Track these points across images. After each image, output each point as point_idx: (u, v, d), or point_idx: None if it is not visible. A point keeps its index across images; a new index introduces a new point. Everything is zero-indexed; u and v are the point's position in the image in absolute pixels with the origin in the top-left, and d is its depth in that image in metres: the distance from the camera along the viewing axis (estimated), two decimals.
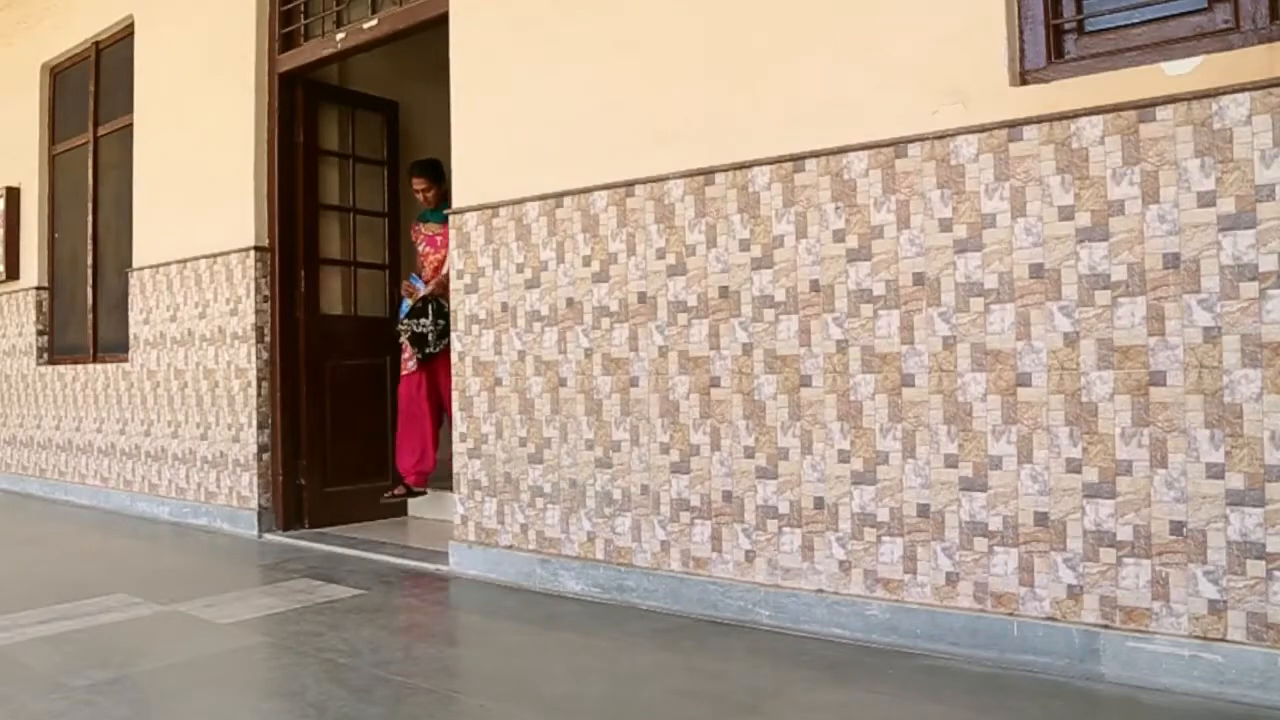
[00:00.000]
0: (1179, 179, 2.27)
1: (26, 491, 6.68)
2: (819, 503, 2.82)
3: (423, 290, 4.71)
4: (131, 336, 5.63)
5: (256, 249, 4.80)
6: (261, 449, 4.77)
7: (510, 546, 3.59)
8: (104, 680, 2.53)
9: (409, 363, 4.77)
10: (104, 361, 6.02)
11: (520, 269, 3.58)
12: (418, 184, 4.83)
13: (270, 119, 4.85)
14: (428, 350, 4.66)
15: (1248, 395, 2.18)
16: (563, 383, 3.44)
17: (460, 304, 3.79)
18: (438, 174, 4.81)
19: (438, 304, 4.64)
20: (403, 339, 4.75)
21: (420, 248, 4.95)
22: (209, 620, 3.13)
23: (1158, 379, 2.29)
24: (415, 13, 4.11)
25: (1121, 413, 2.34)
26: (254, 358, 4.79)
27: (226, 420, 4.94)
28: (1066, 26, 2.53)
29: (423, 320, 4.63)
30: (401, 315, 4.77)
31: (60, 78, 6.71)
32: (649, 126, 3.21)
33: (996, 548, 2.51)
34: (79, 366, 6.22)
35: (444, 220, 4.49)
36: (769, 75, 2.94)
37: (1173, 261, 2.28)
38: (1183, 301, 2.26)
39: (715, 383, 3.04)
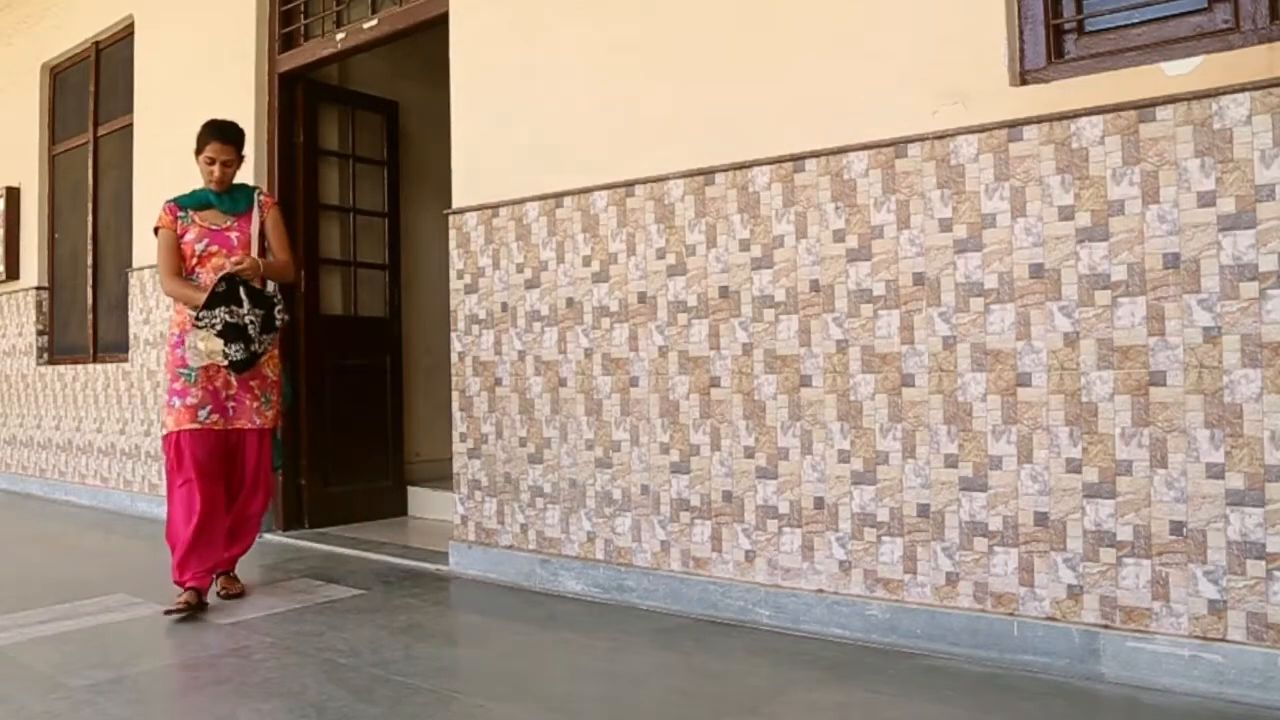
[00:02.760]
0: (1179, 179, 2.27)
1: (26, 491, 6.68)
2: (819, 503, 2.82)
3: (228, 265, 3.30)
4: (131, 336, 5.63)
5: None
6: None
7: (510, 546, 3.59)
8: (104, 680, 2.53)
9: (199, 411, 3.30)
10: (104, 361, 6.02)
11: (520, 269, 3.58)
12: (220, 152, 3.40)
13: (270, 119, 4.85)
14: (252, 349, 3.28)
15: (1248, 395, 2.18)
16: (563, 383, 3.44)
17: (460, 304, 3.79)
18: (243, 144, 3.52)
19: (249, 286, 3.31)
20: (200, 337, 3.24)
21: (200, 246, 3.38)
22: (209, 620, 3.13)
23: (1158, 379, 2.29)
24: (415, 13, 4.11)
25: (1121, 413, 2.34)
26: None
27: None
28: (1066, 26, 2.53)
29: (235, 307, 3.24)
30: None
31: (60, 78, 6.71)
32: (649, 127, 3.22)
33: (996, 548, 2.51)
34: (79, 366, 6.22)
35: (243, 209, 3.47)
36: (769, 75, 2.94)
37: (1173, 261, 2.28)
38: (1183, 301, 2.26)
39: (715, 383, 3.04)
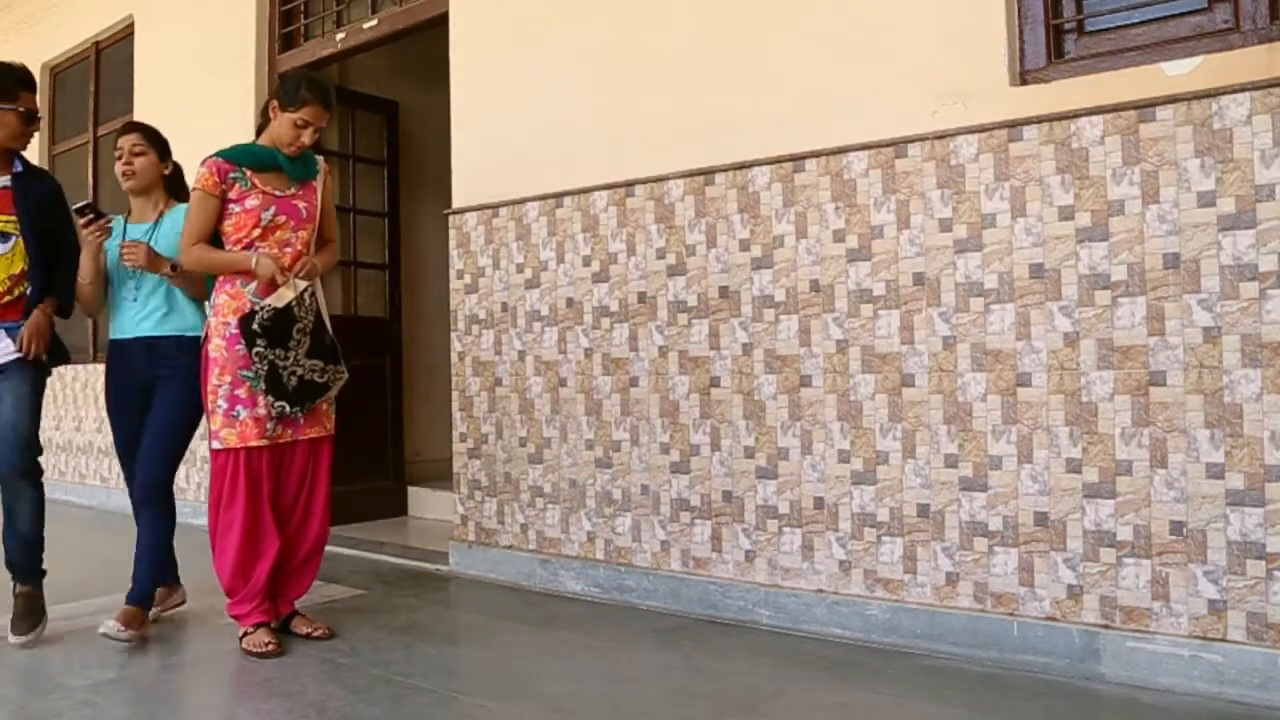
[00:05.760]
0: (1179, 179, 2.27)
1: None
2: (819, 503, 2.82)
3: (294, 285, 2.79)
4: None
5: None
6: None
7: (510, 546, 3.59)
8: (104, 680, 2.53)
9: (267, 424, 2.79)
10: (104, 361, 6.01)
11: (520, 269, 3.58)
12: (320, 119, 2.83)
13: None
14: (306, 404, 2.84)
15: (1248, 395, 2.18)
16: (563, 383, 3.44)
17: (460, 304, 3.79)
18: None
19: (319, 320, 2.91)
20: (252, 367, 2.74)
21: (267, 215, 2.79)
22: (209, 621, 3.13)
23: (1158, 379, 2.29)
24: (415, 13, 4.11)
25: (1121, 413, 2.34)
26: None
27: None
28: (1066, 26, 2.53)
29: (290, 350, 2.79)
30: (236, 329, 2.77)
31: (60, 78, 6.71)
32: (649, 126, 3.21)
33: (996, 548, 2.51)
34: (79, 366, 6.21)
35: (313, 175, 2.93)
36: (769, 75, 2.94)
37: (1173, 261, 2.28)
38: (1183, 301, 2.26)
39: (715, 383, 3.04)
